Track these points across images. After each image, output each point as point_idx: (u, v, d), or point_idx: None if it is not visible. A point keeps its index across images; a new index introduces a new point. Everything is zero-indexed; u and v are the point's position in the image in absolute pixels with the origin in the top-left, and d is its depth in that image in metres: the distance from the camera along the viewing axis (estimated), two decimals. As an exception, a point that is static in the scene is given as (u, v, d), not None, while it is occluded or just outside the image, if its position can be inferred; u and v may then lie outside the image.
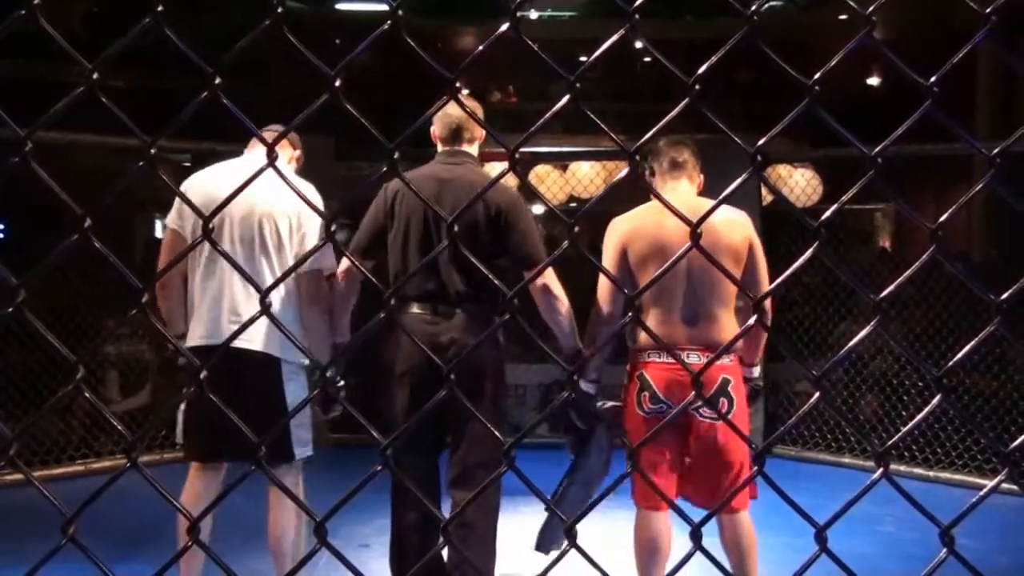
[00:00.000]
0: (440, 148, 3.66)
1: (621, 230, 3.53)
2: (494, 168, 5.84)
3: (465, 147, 3.63)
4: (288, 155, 3.89)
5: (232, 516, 3.99)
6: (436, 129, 3.64)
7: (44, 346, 6.27)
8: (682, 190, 3.59)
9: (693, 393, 1.11)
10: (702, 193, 3.68)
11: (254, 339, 3.45)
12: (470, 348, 3.31)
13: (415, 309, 3.51)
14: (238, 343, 3.36)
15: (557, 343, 3.61)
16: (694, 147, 3.68)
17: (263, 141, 1.13)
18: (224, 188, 3.50)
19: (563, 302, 3.49)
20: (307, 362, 3.66)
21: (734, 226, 3.49)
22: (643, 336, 3.46)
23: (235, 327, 3.48)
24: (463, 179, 3.50)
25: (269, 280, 3.48)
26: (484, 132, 3.70)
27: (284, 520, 3.62)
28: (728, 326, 3.42)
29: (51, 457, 6.31)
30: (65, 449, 6.40)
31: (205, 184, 3.59)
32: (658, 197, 1.26)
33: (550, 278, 3.47)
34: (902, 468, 6.37)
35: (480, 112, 3.68)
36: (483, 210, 3.45)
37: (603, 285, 3.51)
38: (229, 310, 3.56)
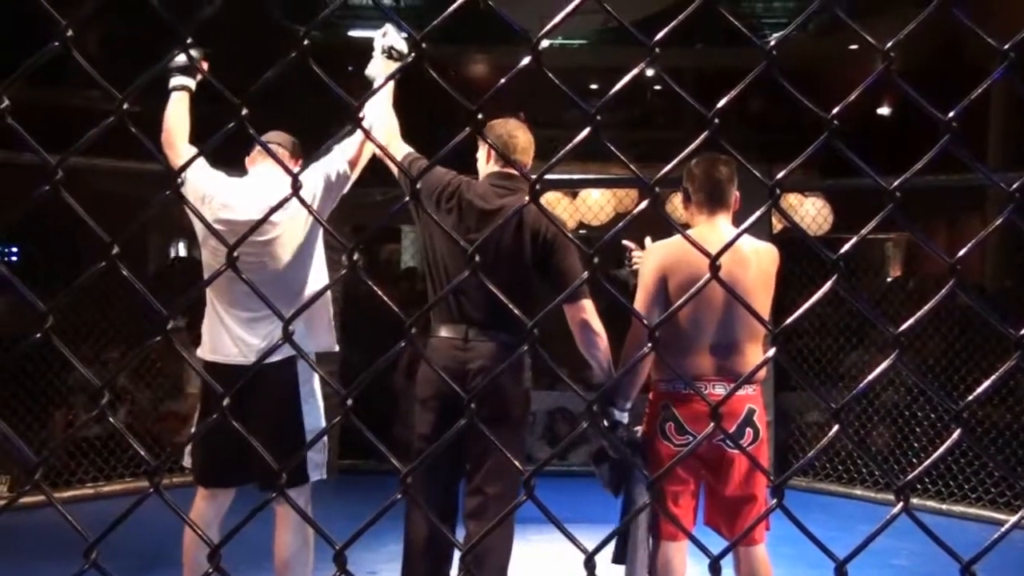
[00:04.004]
0: (491, 166, 3.61)
1: (661, 256, 3.44)
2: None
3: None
4: (290, 165, 3.90)
5: (236, 537, 3.97)
6: (486, 156, 3.61)
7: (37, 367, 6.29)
8: (719, 223, 3.50)
9: (718, 424, 1.11)
10: (736, 212, 3.59)
11: (275, 352, 3.43)
12: (493, 375, 3.28)
13: (444, 333, 3.48)
14: (250, 360, 3.42)
15: (590, 372, 3.60)
16: (731, 168, 3.55)
17: (289, 173, 1.14)
18: (238, 208, 3.57)
19: (602, 337, 3.43)
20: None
21: (763, 256, 3.46)
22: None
23: (238, 349, 3.54)
24: (511, 208, 3.43)
25: (280, 301, 3.48)
26: (531, 157, 3.66)
27: (292, 543, 3.61)
28: (753, 358, 3.38)
29: (61, 480, 6.31)
30: (75, 472, 6.40)
31: (224, 198, 3.61)
32: (679, 231, 1.26)
33: (590, 313, 3.41)
34: (915, 501, 6.32)
35: (523, 138, 3.62)
36: (529, 238, 3.42)
37: (640, 311, 3.41)
38: (234, 337, 3.58)
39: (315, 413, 3.60)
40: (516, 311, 1.20)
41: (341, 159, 3.65)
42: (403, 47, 3.60)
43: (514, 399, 3.47)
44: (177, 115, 3.70)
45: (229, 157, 3.62)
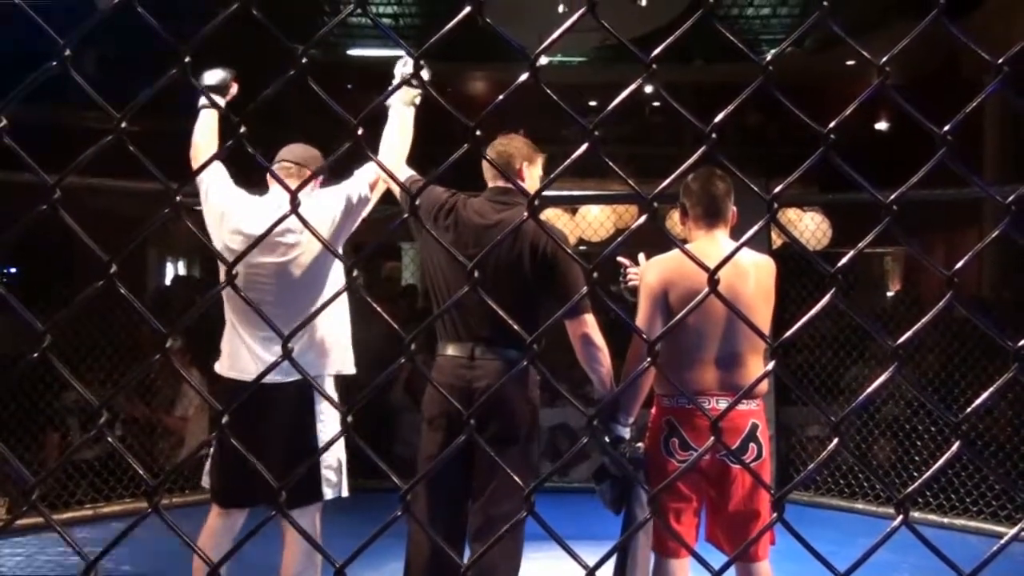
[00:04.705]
0: (491, 184, 3.61)
1: (661, 271, 3.42)
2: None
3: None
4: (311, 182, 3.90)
5: (243, 555, 3.96)
6: (487, 173, 3.59)
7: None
8: (719, 238, 3.50)
9: (718, 439, 1.11)
10: (734, 227, 3.59)
11: (287, 372, 3.43)
12: (496, 391, 3.26)
13: (451, 351, 3.47)
14: (279, 379, 3.43)
15: (592, 387, 3.58)
16: (728, 183, 3.55)
17: (287, 188, 1.14)
18: (254, 226, 3.58)
19: (603, 352, 3.41)
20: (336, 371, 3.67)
21: (762, 268, 3.46)
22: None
23: (256, 366, 3.54)
24: (509, 222, 3.43)
25: (295, 320, 3.49)
26: (533, 164, 3.65)
27: (299, 562, 3.60)
28: (756, 371, 3.34)
29: (60, 501, 6.29)
30: (74, 493, 6.38)
31: (242, 216, 3.64)
32: (678, 246, 1.26)
33: (591, 327, 3.39)
34: (916, 515, 6.31)
35: (516, 148, 3.63)
36: (529, 251, 3.40)
37: (641, 327, 3.39)
38: (253, 354, 3.59)
39: (331, 433, 3.59)
40: (516, 326, 1.20)
41: (362, 182, 3.66)
42: (423, 75, 3.57)
43: (522, 417, 3.44)
44: (205, 133, 3.77)
45: (255, 176, 3.65)
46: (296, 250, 3.56)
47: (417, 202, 1.21)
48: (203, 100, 3.73)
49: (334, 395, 3.60)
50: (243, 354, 3.61)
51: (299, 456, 3.44)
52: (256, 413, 3.45)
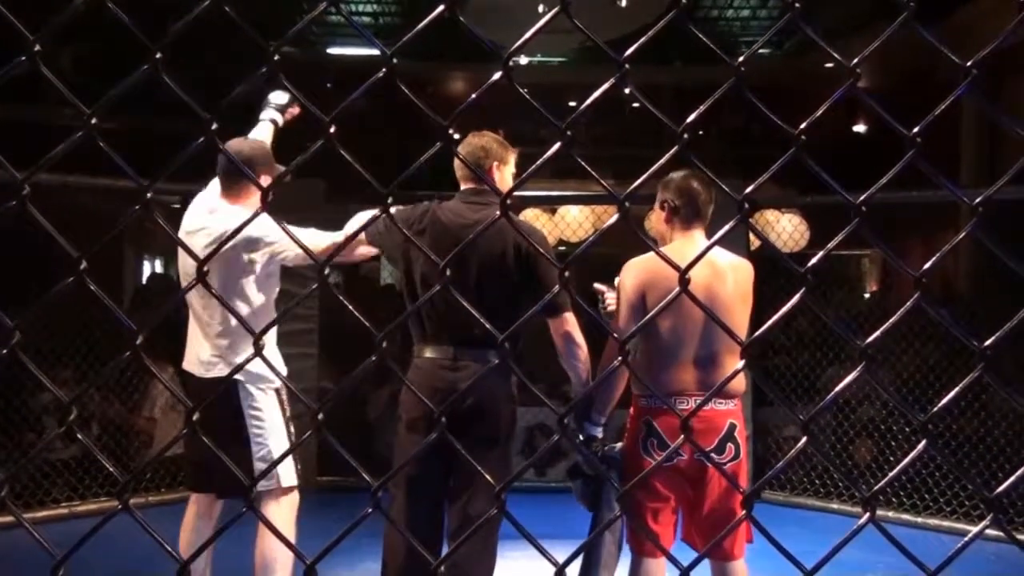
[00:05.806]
0: (463, 185, 3.60)
1: (641, 272, 3.42)
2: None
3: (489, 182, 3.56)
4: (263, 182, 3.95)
5: (220, 557, 3.96)
6: (459, 173, 3.57)
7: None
8: (696, 239, 3.50)
9: (688, 437, 1.12)
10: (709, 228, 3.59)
11: (213, 367, 3.68)
12: (464, 389, 3.27)
13: (429, 354, 3.46)
14: (203, 374, 3.69)
15: (571, 386, 3.60)
16: (708, 184, 3.55)
17: (259, 187, 1.14)
18: (185, 223, 3.70)
19: (583, 349, 3.45)
20: (276, 383, 3.71)
21: (740, 270, 3.47)
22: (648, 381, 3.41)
23: (204, 358, 3.72)
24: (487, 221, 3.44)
25: (223, 321, 3.67)
26: (505, 163, 3.64)
27: (269, 553, 3.66)
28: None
29: (35, 500, 6.23)
30: (49, 492, 6.33)
31: (186, 217, 3.81)
32: (651, 246, 1.27)
33: (572, 326, 3.44)
34: (890, 514, 6.37)
35: (486, 147, 3.61)
36: (512, 250, 3.40)
37: (621, 327, 3.40)
38: (197, 349, 3.76)
39: (262, 431, 3.67)
40: (488, 326, 1.20)
41: (297, 243, 3.62)
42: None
43: (505, 418, 3.47)
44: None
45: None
46: (204, 253, 3.57)
47: (390, 205, 1.21)
48: (264, 114, 4.05)
49: (271, 405, 3.70)
50: (192, 349, 3.81)
51: (226, 448, 3.48)
52: (202, 407, 3.59)
